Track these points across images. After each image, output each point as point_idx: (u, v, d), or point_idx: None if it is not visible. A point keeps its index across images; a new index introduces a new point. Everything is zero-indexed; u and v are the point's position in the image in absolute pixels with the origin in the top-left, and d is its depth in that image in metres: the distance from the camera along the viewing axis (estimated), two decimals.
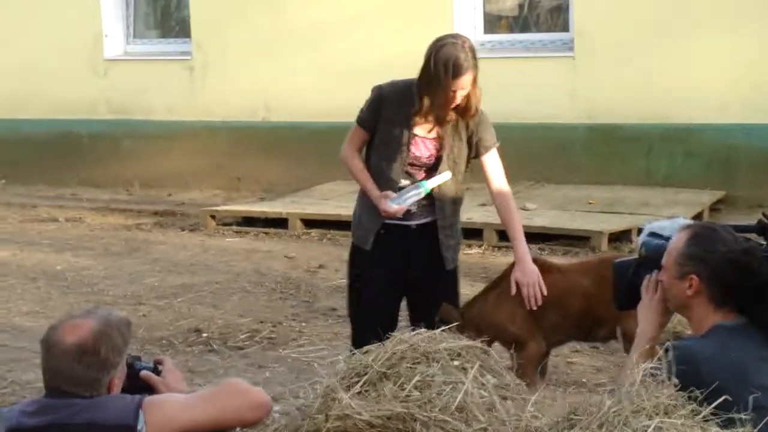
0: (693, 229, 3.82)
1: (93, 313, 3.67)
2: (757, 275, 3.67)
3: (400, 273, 5.44)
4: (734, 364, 3.61)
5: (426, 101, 5.20)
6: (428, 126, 5.31)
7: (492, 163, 5.43)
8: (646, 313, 3.88)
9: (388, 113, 5.31)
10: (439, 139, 5.33)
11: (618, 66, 11.27)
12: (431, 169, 5.35)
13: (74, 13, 13.77)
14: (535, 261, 5.60)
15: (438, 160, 5.35)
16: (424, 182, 5.28)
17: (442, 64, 5.09)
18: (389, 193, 5.28)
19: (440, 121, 5.26)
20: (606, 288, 5.28)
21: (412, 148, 5.32)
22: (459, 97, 5.18)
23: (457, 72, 5.10)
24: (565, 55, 11.65)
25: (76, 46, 13.75)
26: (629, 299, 3.98)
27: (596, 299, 5.45)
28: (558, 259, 8.35)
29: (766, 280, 3.67)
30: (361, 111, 5.42)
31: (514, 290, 5.40)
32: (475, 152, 5.40)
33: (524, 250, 5.41)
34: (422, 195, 5.28)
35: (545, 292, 5.38)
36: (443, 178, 5.29)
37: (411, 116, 5.27)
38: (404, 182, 5.35)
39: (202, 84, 13.28)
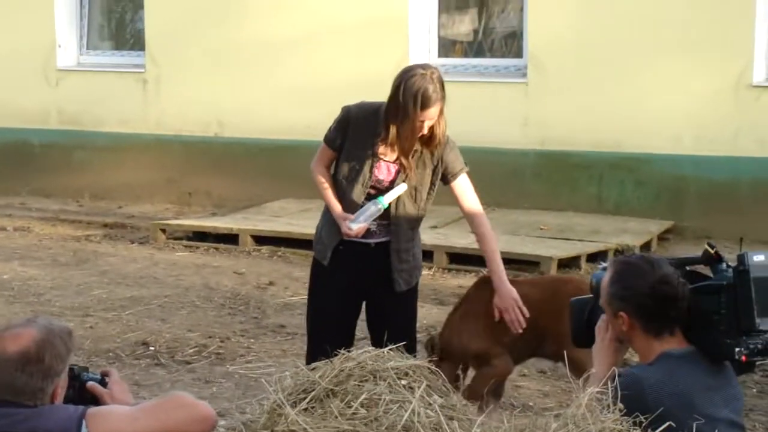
0: (613, 267, 3.88)
1: (34, 321, 3.65)
2: (679, 301, 3.73)
3: (356, 289, 5.46)
4: (681, 392, 3.64)
5: (392, 130, 5.22)
6: (392, 152, 5.33)
7: (462, 187, 5.46)
8: (599, 355, 3.90)
9: (355, 135, 5.33)
10: (400, 163, 5.34)
11: (571, 93, 11.35)
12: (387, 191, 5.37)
13: (28, 22, 13.68)
14: (487, 277, 5.66)
15: (395, 184, 5.37)
16: (380, 197, 5.30)
17: (411, 95, 5.11)
18: (349, 215, 5.30)
19: (406, 153, 5.28)
20: (553, 302, 5.40)
21: (375, 171, 5.34)
22: (425, 128, 5.20)
23: (425, 104, 5.12)
24: (518, 81, 11.72)
25: (29, 55, 13.64)
26: (586, 338, 4.00)
27: (541, 312, 5.51)
28: None
29: (699, 307, 3.72)
30: (329, 130, 5.44)
31: (497, 317, 5.44)
32: (443, 179, 5.43)
33: (500, 276, 5.43)
34: (381, 210, 5.29)
35: (527, 314, 5.41)
36: (399, 191, 5.32)
37: (376, 141, 5.29)
38: (366, 203, 5.37)
39: (155, 97, 13.23)
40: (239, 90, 12.63)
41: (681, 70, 10.94)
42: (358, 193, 5.36)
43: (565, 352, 5.44)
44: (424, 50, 11.97)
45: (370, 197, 5.36)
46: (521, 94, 11.64)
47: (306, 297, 5.82)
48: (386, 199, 5.30)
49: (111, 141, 13.38)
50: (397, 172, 5.36)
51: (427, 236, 9.82)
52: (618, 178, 11.41)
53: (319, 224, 5.59)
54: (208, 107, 12.83)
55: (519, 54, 11.98)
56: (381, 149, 5.31)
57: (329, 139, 5.44)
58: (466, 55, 12.32)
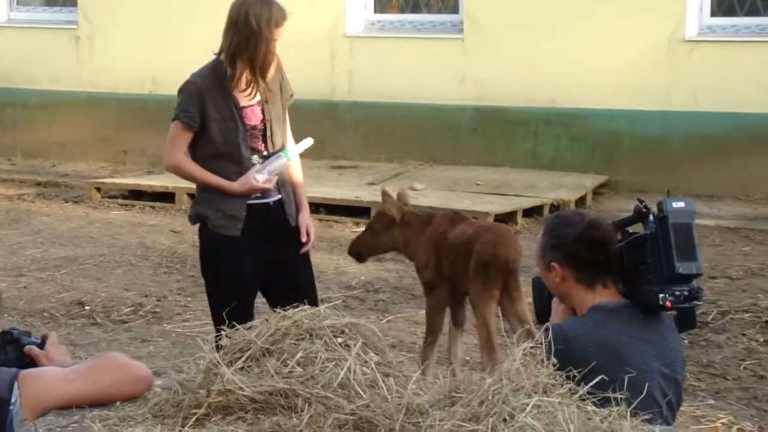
0: (546, 222, 4.02)
1: None
2: (608, 244, 3.80)
3: (266, 252, 5.37)
4: (608, 344, 3.69)
5: (243, 65, 5.21)
6: (247, 92, 5.28)
7: (287, 113, 5.49)
8: None
9: (212, 100, 5.25)
10: (262, 102, 5.32)
11: (507, 49, 11.38)
12: (266, 134, 5.32)
13: None
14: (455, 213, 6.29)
15: (267, 123, 5.33)
16: (285, 151, 5.31)
17: (264, 17, 5.17)
18: (247, 174, 5.23)
19: (265, 76, 5.25)
20: (463, 246, 5.87)
21: (246, 121, 5.30)
22: (277, 47, 5.22)
23: (279, 21, 5.19)
24: (454, 37, 11.72)
25: None
26: (546, 313, 4.06)
27: (455, 251, 5.92)
28: None
29: (630, 260, 3.77)
30: (182, 111, 5.29)
31: (303, 235, 5.47)
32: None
33: (306, 206, 5.50)
34: (286, 164, 5.30)
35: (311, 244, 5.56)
36: (306, 144, 5.35)
37: (230, 92, 5.26)
38: (253, 157, 5.30)
39: (88, 54, 13.09)
40: (174, 47, 12.51)
41: (615, 26, 10.99)
42: (243, 149, 5.27)
43: (500, 308, 5.71)
44: (360, 5, 11.91)
45: (252, 149, 5.30)
46: (457, 50, 11.64)
47: None
48: (293, 153, 5.32)
49: (44, 99, 13.24)
50: (263, 111, 5.32)
51: (365, 193, 9.85)
52: (553, 134, 11.48)
53: (205, 204, 5.37)
54: (142, 64, 12.71)
55: (455, 10, 11.98)
56: (238, 97, 5.27)
57: (189, 118, 5.27)
58: (402, 10, 12.28)
